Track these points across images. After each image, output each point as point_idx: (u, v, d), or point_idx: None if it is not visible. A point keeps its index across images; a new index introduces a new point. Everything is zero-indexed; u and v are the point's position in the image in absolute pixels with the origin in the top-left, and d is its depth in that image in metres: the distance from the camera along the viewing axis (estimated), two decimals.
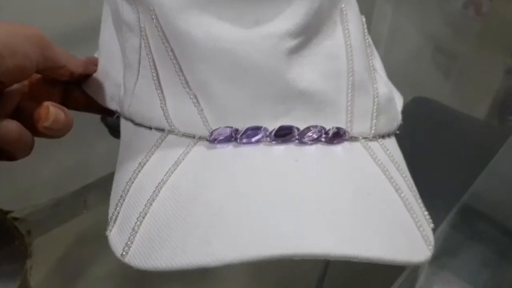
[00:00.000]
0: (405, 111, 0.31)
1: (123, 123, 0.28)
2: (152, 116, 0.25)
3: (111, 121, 0.31)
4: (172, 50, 0.25)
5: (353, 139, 0.25)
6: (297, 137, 0.24)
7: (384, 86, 0.28)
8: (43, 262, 0.33)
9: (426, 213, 0.25)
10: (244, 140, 0.23)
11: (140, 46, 0.26)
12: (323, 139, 0.24)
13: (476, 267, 0.36)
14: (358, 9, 0.28)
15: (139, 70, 0.26)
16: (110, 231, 0.23)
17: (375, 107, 0.27)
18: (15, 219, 0.32)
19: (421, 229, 0.23)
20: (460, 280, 0.35)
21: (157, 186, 0.23)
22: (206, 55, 0.23)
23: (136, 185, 0.24)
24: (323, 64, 0.25)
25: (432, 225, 0.24)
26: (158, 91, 0.25)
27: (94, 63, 0.30)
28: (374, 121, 0.26)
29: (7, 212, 0.32)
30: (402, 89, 0.33)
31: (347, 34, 0.26)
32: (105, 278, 0.35)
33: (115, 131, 0.30)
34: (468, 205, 0.40)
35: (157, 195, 0.22)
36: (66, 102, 0.30)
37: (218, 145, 0.24)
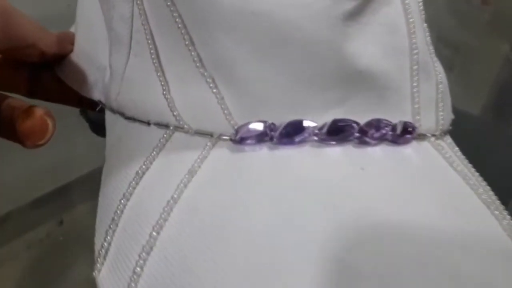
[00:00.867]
0: None
1: (110, 118, 0.21)
2: (151, 107, 0.19)
3: (94, 115, 0.24)
4: (180, 16, 0.18)
5: (421, 137, 0.19)
6: (356, 135, 0.17)
7: (441, 68, 0.22)
8: None
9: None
10: (284, 140, 0.17)
11: (132, 14, 0.20)
12: (389, 138, 0.18)
13: None
14: None
15: (130, 47, 0.20)
16: (99, 271, 0.16)
17: (439, 95, 0.21)
18: None
19: None
20: None
21: (165, 207, 0.16)
22: (231, 20, 0.17)
23: (134, 205, 0.17)
24: (384, 37, 0.18)
25: None
26: (159, 73, 0.19)
27: (70, 40, 0.23)
28: (441, 113, 0.20)
29: None
30: None
31: (406, 0, 0.20)
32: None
33: (99, 127, 0.23)
34: None
35: (166, 220, 0.16)
36: (33, 90, 0.23)
37: (247, 148, 0.17)
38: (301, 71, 0.17)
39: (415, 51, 0.19)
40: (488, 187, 0.20)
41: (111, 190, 0.18)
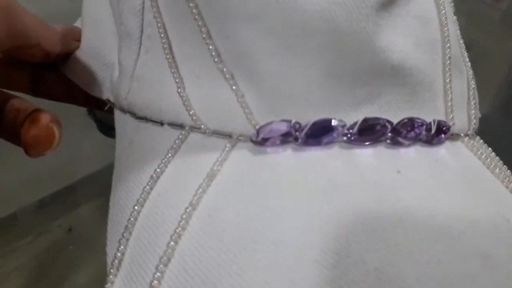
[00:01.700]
0: None
1: (119, 118, 0.20)
2: (165, 106, 0.17)
3: (102, 114, 0.23)
4: (197, 6, 0.16)
5: (454, 137, 0.18)
6: (389, 135, 0.16)
7: (469, 64, 0.21)
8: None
9: None
10: (310, 141, 0.16)
11: (143, 7, 0.18)
12: (423, 138, 0.16)
13: None
14: None
15: (141, 42, 0.18)
16: (112, 283, 0.15)
17: (471, 93, 0.19)
18: None
19: None
20: None
21: (183, 214, 0.14)
22: (253, 10, 0.15)
23: (149, 212, 0.15)
24: (415, 29, 0.17)
25: None
26: (173, 70, 0.17)
27: (75, 36, 0.22)
28: (473, 111, 0.19)
29: None
30: None
31: None
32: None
33: (107, 128, 0.22)
34: None
35: (184, 228, 0.14)
36: (37, 89, 0.22)
37: (270, 149, 0.16)
38: (330, 65, 0.16)
39: (448, 45, 0.18)
40: None
41: (124, 196, 0.17)
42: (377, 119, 0.16)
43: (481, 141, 0.20)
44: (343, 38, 0.15)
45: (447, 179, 0.16)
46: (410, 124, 0.16)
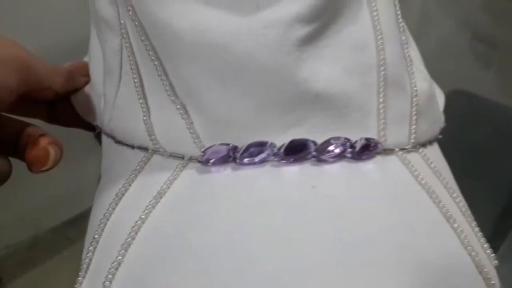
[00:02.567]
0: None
1: (105, 141, 0.23)
2: (134, 132, 0.21)
3: None
4: (153, 48, 0.20)
5: (388, 151, 0.20)
6: (314, 153, 0.18)
7: (423, 81, 0.22)
8: None
9: (486, 245, 0.19)
10: (246, 160, 0.18)
11: (121, 47, 0.21)
12: (348, 155, 0.18)
13: None
14: None
15: (120, 77, 0.22)
16: (80, 284, 0.18)
17: (414, 109, 0.21)
18: None
19: (484, 271, 0.17)
20: None
21: (134, 226, 0.18)
22: (193, 52, 0.18)
23: (112, 224, 0.19)
24: (346, 57, 0.19)
25: (495, 262, 0.19)
26: (141, 101, 0.20)
27: (84, 71, 0.25)
28: (414, 126, 0.21)
29: None
30: (436, 84, 0.27)
31: (375, 16, 0.20)
32: None
33: None
34: None
35: (133, 239, 0.17)
36: (52, 119, 0.25)
37: (213, 168, 0.19)
38: (260, 96, 0.18)
39: (383, 67, 0.20)
40: (460, 198, 0.20)
41: (97, 210, 0.20)
42: (303, 140, 0.18)
43: (424, 152, 0.21)
44: (268, 74, 0.18)
45: (364, 192, 0.18)
46: (332, 143, 0.18)
